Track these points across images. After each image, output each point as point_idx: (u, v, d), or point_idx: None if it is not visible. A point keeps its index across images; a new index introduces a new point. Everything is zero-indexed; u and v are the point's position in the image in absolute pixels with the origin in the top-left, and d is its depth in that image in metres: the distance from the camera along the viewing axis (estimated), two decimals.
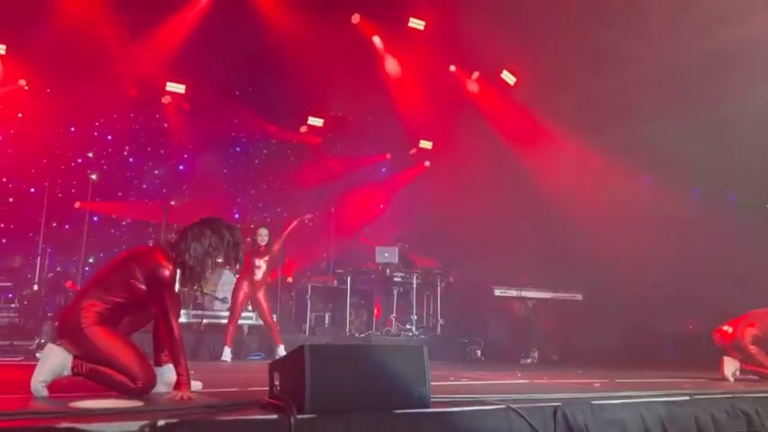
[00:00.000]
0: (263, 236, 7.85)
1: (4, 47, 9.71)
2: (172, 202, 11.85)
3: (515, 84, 12.17)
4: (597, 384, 4.68)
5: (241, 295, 7.75)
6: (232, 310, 7.86)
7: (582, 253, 10.09)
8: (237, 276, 8.05)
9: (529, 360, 9.11)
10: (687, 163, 9.70)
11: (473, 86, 12.57)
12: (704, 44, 9.23)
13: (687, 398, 3.61)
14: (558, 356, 9.44)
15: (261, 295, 7.78)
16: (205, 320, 8.77)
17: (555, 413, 3.06)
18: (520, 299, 9.81)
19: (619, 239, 9.61)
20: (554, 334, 10.06)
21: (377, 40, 12.02)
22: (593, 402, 3.25)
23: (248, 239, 7.87)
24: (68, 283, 9.17)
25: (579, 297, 10.04)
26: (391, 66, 12.19)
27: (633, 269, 9.77)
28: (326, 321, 10.50)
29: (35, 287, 9.59)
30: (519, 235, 10.92)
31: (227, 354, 7.49)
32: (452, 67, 12.46)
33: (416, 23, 11.52)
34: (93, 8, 9.34)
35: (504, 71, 12.12)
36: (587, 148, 10.55)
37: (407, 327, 10.15)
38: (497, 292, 9.67)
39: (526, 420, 2.92)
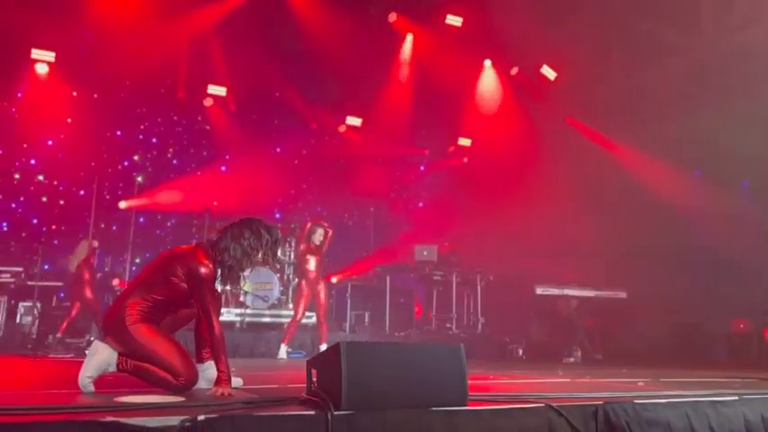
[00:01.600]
0: (318, 234, 7.93)
1: (53, 54, 10.02)
2: (214, 203, 12.09)
3: (555, 79, 11.97)
4: (641, 383, 4.57)
5: (301, 295, 7.85)
6: (294, 310, 7.99)
7: (625, 250, 9.86)
8: (296, 279, 8.21)
9: (572, 359, 8.96)
10: (735, 157, 9.38)
11: (512, 82, 12.42)
12: (752, 33, 8.91)
13: (736, 398, 3.48)
14: (602, 355, 9.26)
15: (321, 292, 7.87)
16: (246, 319, 8.92)
17: (596, 412, 3.00)
18: (562, 297, 9.66)
19: (663, 236, 9.37)
20: (597, 333, 9.87)
21: (410, 38, 11.98)
22: (636, 402, 3.16)
23: (302, 245, 7.97)
24: (120, 282, 9.44)
25: (623, 295, 9.81)
26: (429, 63, 12.15)
27: (678, 267, 9.50)
28: (366, 320, 10.55)
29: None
30: (561, 232, 10.72)
31: (283, 351, 7.62)
32: (488, 62, 12.33)
33: (453, 20, 11.45)
34: (137, 15, 9.56)
35: (545, 66, 11.94)
36: (631, 142, 10.31)
37: (447, 325, 10.12)
38: (539, 291, 9.53)
39: (566, 419, 2.87)
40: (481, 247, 11.07)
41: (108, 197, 11.01)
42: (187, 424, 2.27)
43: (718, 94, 9.52)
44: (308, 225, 8.13)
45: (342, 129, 12.85)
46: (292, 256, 9.94)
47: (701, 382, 4.68)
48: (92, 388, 3.36)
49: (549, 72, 11.98)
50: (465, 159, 13.46)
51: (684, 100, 10.02)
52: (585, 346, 9.33)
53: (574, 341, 9.26)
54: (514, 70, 12.37)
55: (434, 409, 2.72)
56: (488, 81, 12.44)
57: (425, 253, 10.40)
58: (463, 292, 10.64)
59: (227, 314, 8.78)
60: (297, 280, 8.17)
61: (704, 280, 9.51)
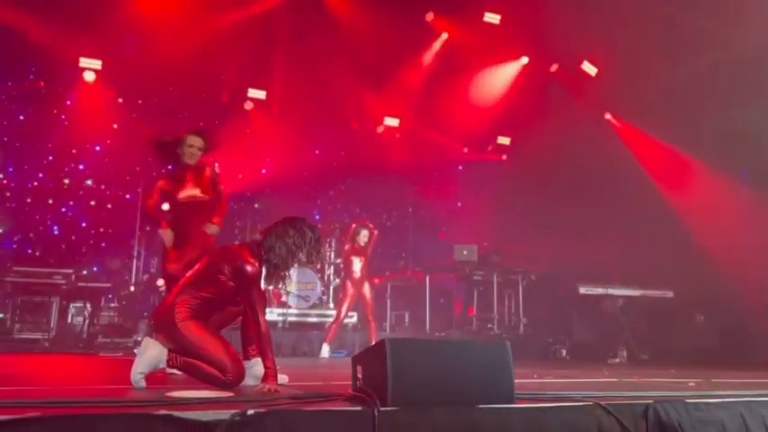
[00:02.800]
0: (363, 235, 7.99)
1: (99, 62, 10.32)
2: (256, 205, 12.27)
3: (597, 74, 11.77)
4: (692, 383, 4.45)
5: (346, 296, 7.92)
6: (337, 310, 8.07)
7: (672, 249, 9.62)
8: (340, 278, 8.26)
9: (617, 359, 8.79)
10: None
11: (552, 78, 12.25)
12: None
13: None
14: (649, 356, 9.05)
15: (366, 291, 7.93)
16: (289, 318, 9.02)
17: (646, 411, 2.93)
18: (607, 296, 9.48)
19: (711, 234, 9.10)
20: (644, 333, 9.64)
21: (444, 36, 11.94)
22: (688, 401, 3.09)
23: (347, 245, 8.03)
24: (165, 283, 9.64)
25: (670, 294, 9.57)
26: (465, 61, 12.09)
27: (729, 266, 9.21)
28: (406, 320, 10.54)
29: (132, 288, 10.18)
30: (604, 230, 10.52)
31: (325, 351, 7.70)
32: (525, 59, 12.19)
33: (491, 18, 11.36)
34: (180, 23, 9.77)
35: (585, 62, 11.74)
36: (673, 138, 10.05)
37: (488, 326, 10.04)
38: (582, 290, 9.37)
39: (615, 418, 2.81)
40: (522, 247, 10.95)
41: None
42: (237, 418, 2.31)
43: (765, 87, 9.21)
44: (354, 226, 8.19)
45: (380, 129, 12.88)
46: (332, 257, 10.01)
47: (754, 383, 4.53)
48: (143, 384, 3.45)
49: (589, 68, 11.78)
50: (504, 157, 13.33)
51: (729, 94, 9.72)
52: (631, 346, 9.13)
53: (619, 341, 9.07)
54: (554, 67, 12.21)
55: (481, 406, 2.70)
56: (526, 78, 12.30)
57: (465, 253, 10.34)
58: (504, 293, 10.54)
59: (270, 314, 8.90)
60: (340, 280, 8.23)
61: (754, 280, 9.20)
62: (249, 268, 3.54)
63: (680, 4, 9.35)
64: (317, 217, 12.50)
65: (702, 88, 9.88)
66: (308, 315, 9.30)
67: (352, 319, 8.63)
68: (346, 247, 8.06)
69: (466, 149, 13.50)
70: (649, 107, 10.54)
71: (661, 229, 9.82)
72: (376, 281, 10.58)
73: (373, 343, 7.40)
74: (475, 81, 12.15)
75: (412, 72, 11.86)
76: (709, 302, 9.63)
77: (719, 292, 9.37)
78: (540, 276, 10.67)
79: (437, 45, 12.02)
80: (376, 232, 8.15)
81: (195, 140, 5.44)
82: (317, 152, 13.12)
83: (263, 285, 3.71)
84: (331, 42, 10.75)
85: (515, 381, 2.89)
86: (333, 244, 9.98)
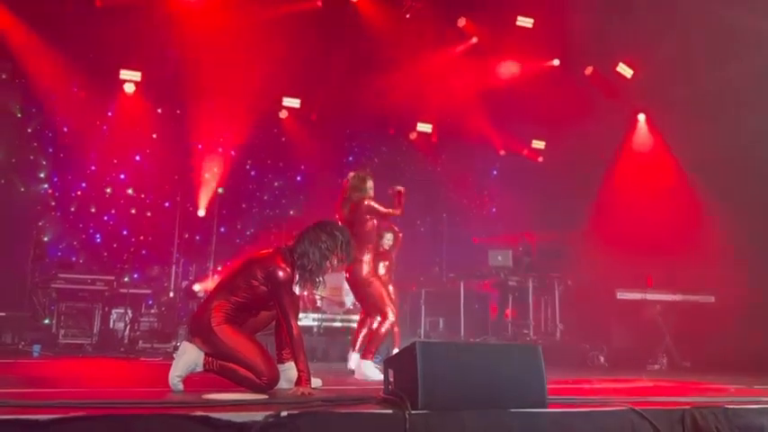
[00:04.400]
0: (388, 239, 7.93)
1: (139, 74, 10.60)
2: (291, 212, 12.42)
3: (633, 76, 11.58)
4: (732, 389, 4.35)
5: None
6: (361, 315, 8.04)
7: (713, 252, 9.37)
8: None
9: (657, 366, 8.60)
10: None
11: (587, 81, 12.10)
12: None
13: None
14: (690, 363, 8.83)
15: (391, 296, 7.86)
16: (323, 324, 9.07)
17: (683, 417, 2.89)
18: (646, 301, 9.28)
19: (751, 237, 8.84)
20: (685, 339, 9.40)
21: (474, 40, 11.90)
22: (728, 407, 3.03)
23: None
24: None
25: (711, 299, 9.32)
26: (501, 67, 12.04)
27: None
28: (440, 326, 10.50)
29: (171, 294, 10.40)
30: (643, 233, 10.31)
31: (353, 359, 7.65)
32: (556, 62, 12.06)
33: (524, 21, 11.29)
34: (216, 35, 9.96)
35: (621, 64, 11.56)
36: (713, 137, 9.79)
37: (524, 331, 9.93)
38: (620, 295, 9.20)
39: (651, 423, 2.78)
40: (558, 251, 10.81)
41: (191, 209, 11.51)
42: (271, 419, 2.36)
43: None
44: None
45: (413, 136, 12.90)
46: None
47: None
48: (181, 386, 3.53)
49: (625, 70, 11.59)
50: (540, 159, 13.20)
51: None
52: (672, 352, 8.92)
53: (659, 348, 8.88)
54: (589, 70, 12.05)
55: (513, 410, 2.70)
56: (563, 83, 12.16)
57: (500, 258, 10.26)
58: (540, 298, 10.42)
59: (305, 319, 8.96)
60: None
61: None
62: (281, 273, 3.60)
63: (726, 2, 9.12)
64: None
65: (743, 87, 9.62)
66: (341, 320, 9.34)
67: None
68: None
69: (502, 152, 13.39)
70: (688, 106, 10.29)
71: (702, 230, 9.58)
72: (413, 288, 10.58)
73: (395, 350, 7.42)
74: (509, 85, 12.07)
75: (444, 76, 11.83)
76: (753, 307, 9.34)
77: (763, 297, 9.09)
78: (577, 281, 10.51)
79: (469, 50, 11.98)
80: (401, 235, 8.05)
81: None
82: (350, 159, 13.22)
83: (296, 290, 3.77)
84: (363, 49, 10.82)
85: (549, 386, 2.87)
86: None
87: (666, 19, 9.93)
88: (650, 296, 9.16)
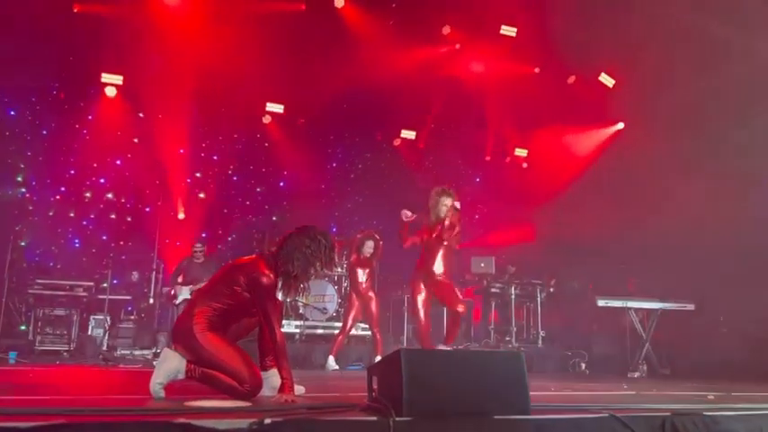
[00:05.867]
0: (368, 246, 7.95)
1: (121, 78, 10.49)
2: (274, 218, 12.36)
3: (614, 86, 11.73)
4: (711, 396, 4.40)
5: (351, 307, 7.89)
6: (343, 321, 8.04)
7: (693, 261, 9.49)
8: (348, 290, 8.22)
9: (637, 374, 8.67)
10: None
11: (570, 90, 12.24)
12: None
13: None
14: (670, 370, 8.92)
15: (372, 303, 7.87)
16: (305, 331, 9.04)
17: (663, 424, 2.92)
18: (625, 309, 9.37)
19: (732, 244, 8.97)
20: (665, 346, 9.50)
21: (458, 47, 11.98)
22: (706, 414, 3.06)
23: (353, 256, 8.02)
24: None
25: (691, 307, 9.43)
26: (484, 74, 12.13)
27: (749, 276, 9.05)
28: None
29: (150, 300, 10.28)
30: (623, 241, 10.41)
31: (331, 363, 7.64)
32: (537, 70, 12.18)
33: (508, 31, 11.40)
34: (198, 39, 9.91)
35: (603, 74, 11.71)
36: (696, 149, 9.94)
37: (506, 338, 9.96)
38: (601, 303, 9.28)
39: (631, 430, 2.80)
40: (541, 259, 10.88)
41: (172, 214, 11.40)
42: (254, 427, 2.34)
43: None
44: (359, 236, 8.13)
45: (396, 142, 12.93)
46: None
47: None
48: (162, 394, 3.49)
49: (607, 79, 11.75)
50: (524, 165, 13.28)
51: (755, 104, 9.59)
52: (652, 360, 9.01)
53: (639, 355, 8.96)
54: (571, 79, 12.19)
55: (497, 417, 2.71)
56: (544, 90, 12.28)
57: (482, 265, 10.31)
58: (522, 305, 10.47)
59: (288, 326, 8.92)
60: (347, 291, 8.19)
61: None
62: (264, 280, 3.58)
63: (704, 13, 9.27)
64: (335, 229, 12.53)
65: (727, 98, 9.77)
66: (324, 327, 9.32)
67: (368, 331, 8.60)
68: (352, 258, 8.01)
69: (488, 158, 13.46)
70: (671, 116, 10.44)
71: (683, 238, 9.69)
72: (399, 293, 10.59)
73: (378, 357, 7.42)
74: (491, 93, 12.17)
75: (428, 82, 11.88)
76: (732, 314, 9.46)
77: (743, 304, 9.21)
78: (559, 288, 10.59)
79: (452, 57, 12.06)
80: (382, 243, 8.07)
81: None
82: (333, 165, 13.21)
83: (280, 297, 3.75)
84: (347, 55, 10.83)
85: (532, 392, 2.89)
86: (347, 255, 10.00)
87: (649, 30, 10.07)
88: (630, 304, 9.24)
